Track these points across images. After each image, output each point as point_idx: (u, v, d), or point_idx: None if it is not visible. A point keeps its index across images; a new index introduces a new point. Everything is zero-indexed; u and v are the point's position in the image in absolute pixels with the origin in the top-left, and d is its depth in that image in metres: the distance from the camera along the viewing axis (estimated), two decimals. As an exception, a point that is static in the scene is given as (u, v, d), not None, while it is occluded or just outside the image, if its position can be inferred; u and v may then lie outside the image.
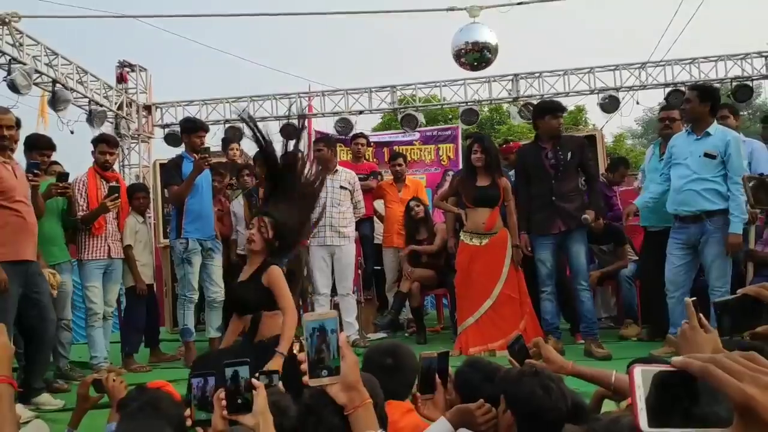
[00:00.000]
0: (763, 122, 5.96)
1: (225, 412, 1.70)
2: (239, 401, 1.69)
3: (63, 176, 4.82)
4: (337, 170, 5.93)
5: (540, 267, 5.15)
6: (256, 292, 3.47)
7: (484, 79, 10.64)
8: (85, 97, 9.24)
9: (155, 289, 6.01)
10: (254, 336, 3.47)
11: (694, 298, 1.69)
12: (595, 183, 5.35)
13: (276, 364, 3.20)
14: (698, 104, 4.68)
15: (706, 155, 4.59)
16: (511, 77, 10.56)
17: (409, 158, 8.87)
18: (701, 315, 1.64)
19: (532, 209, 5.17)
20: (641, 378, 0.76)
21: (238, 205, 6.15)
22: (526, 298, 5.26)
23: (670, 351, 4.03)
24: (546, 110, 5.28)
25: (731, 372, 0.71)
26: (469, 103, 10.63)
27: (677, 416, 0.75)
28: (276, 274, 3.44)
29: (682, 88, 9.48)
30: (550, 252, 5.13)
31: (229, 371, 1.71)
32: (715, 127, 4.68)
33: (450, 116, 19.66)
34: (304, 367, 1.53)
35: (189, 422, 1.83)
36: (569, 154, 5.11)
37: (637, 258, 5.99)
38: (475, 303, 5.20)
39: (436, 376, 2.21)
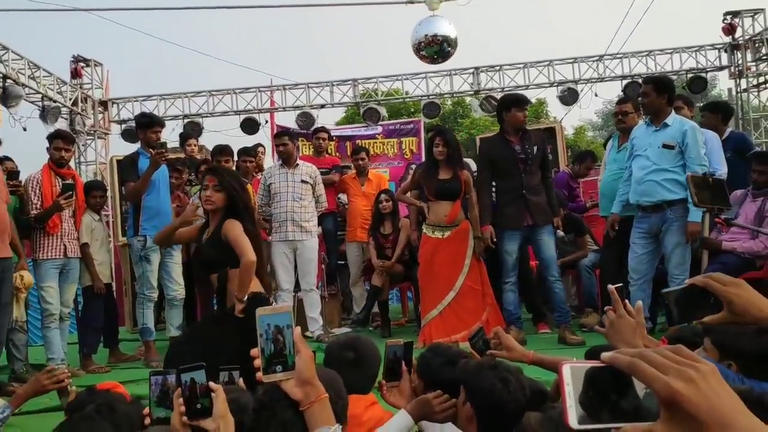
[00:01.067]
0: (703, 110, 6.04)
1: (184, 418, 1.66)
2: (198, 406, 1.65)
3: (13, 174, 4.69)
4: (298, 164, 5.88)
5: (506, 258, 5.20)
6: (216, 249, 3.49)
7: (445, 73, 10.69)
8: (38, 92, 9.00)
9: (114, 288, 5.88)
10: (224, 295, 3.51)
11: (620, 284, 1.74)
12: (549, 177, 5.39)
13: (237, 309, 3.35)
14: (656, 97, 4.74)
15: (665, 146, 4.67)
16: (472, 70, 10.63)
17: (371, 152, 8.86)
18: (626, 301, 1.69)
19: (502, 203, 5.22)
20: (570, 375, 0.75)
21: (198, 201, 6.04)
22: (488, 290, 5.30)
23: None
24: (512, 103, 5.33)
25: (657, 366, 0.71)
26: (431, 97, 10.65)
27: (607, 412, 0.75)
28: (231, 226, 3.43)
29: (639, 80, 9.66)
30: (518, 245, 5.21)
31: (185, 377, 1.67)
32: (673, 118, 4.75)
33: (412, 110, 19.72)
34: (258, 363, 1.50)
35: (147, 420, 1.79)
36: (535, 148, 5.17)
37: (597, 248, 6.08)
38: (438, 295, 5.22)
39: (402, 363, 2.20)
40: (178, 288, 5.41)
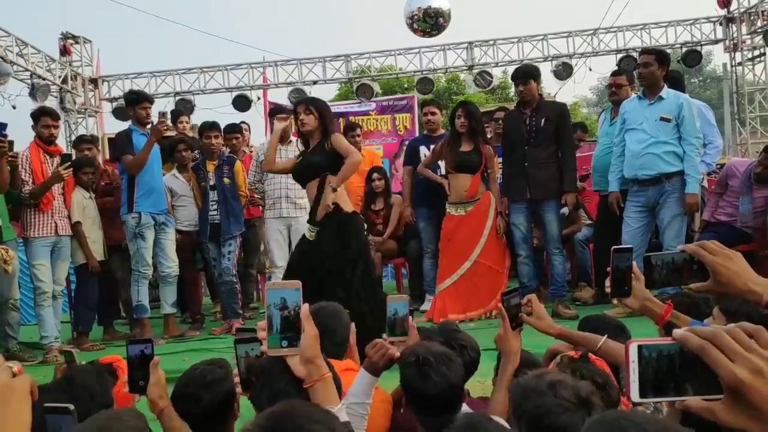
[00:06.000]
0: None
1: (238, 389, 1.75)
2: (253, 379, 1.70)
3: (9, 145, 4.61)
4: (291, 141, 5.83)
5: (514, 231, 5.23)
6: (321, 156, 4.07)
7: (439, 47, 10.61)
8: (27, 70, 8.91)
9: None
10: (319, 200, 4.00)
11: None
12: (567, 152, 5.18)
13: (327, 197, 3.93)
14: (657, 68, 4.72)
15: (662, 119, 4.65)
16: (465, 45, 10.55)
17: (365, 128, 8.82)
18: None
19: (508, 175, 5.30)
20: (636, 353, 0.81)
21: (173, 180, 5.87)
22: (506, 271, 5.31)
23: (622, 311, 4.13)
24: (513, 78, 5.43)
25: (727, 351, 0.73)
26: (424, 72, 10.58)
27: (669, 387, 0.79)
28: (340, 138, 4.14)
29: (634, 54, 9.61)
30: (524, 217, 5.20)
31: (240, 348, 1.72)
32: (666, 91, 4.74)
33: (406, 86, 19.60)
34: (263, 335, 1.51)
35: (126, 388, 1.83)
36: (543, 121, 5.11)
37: (591, 222, 6.09)
38: (453, 266, 5.25)
39: (410, 319, 2.18)
40: (172, 265, 5.39)
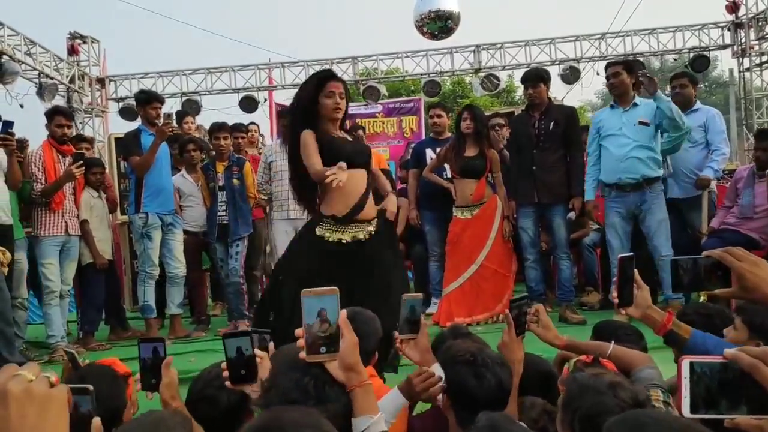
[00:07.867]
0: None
1: (228, 383, 1.71)
2: (242, 372, 1.70)
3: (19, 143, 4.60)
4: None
5: (522, 235, 5.23)
6: (363, 145, 3.72)
7: (446, 50, 10.61)
8: (35, 69, 8.93)
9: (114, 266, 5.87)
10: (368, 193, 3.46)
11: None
12: (575, 156, 5.17)
13: (391, 202, 3.54)
14: (627, 77, 4.78)
15: (641, 123, 4.70)
16: (473, 48, 10.55)
17: (371, 131, 8.81)
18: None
19: (516, 178, 5.28)
20: (688, 369, 0.82)
21: (181, 180, 5.87)
22: (512, 275, 5.32)
23: (627, 316, 4.12)
24: (522, 81, 5.40)
25: None
26: (431, 75, 10.58)
27: (721, 403, 0.81)
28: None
29: (641, 59, 9.60)
30: (532, 221, 5.21)
31: (230, 342, 1.71)
32: (638, 99, 4.82)
33: (412, 88, 19.60)
34: (301, 342, 1.51)
35: (138, 386, 1.83)
36: (552, 124, 5.10)
37: (598, 226, 6.07)
38: (459, 269, 5.25)
39: (422, 317, 2.12)
40: (179, 266, 5.39)
